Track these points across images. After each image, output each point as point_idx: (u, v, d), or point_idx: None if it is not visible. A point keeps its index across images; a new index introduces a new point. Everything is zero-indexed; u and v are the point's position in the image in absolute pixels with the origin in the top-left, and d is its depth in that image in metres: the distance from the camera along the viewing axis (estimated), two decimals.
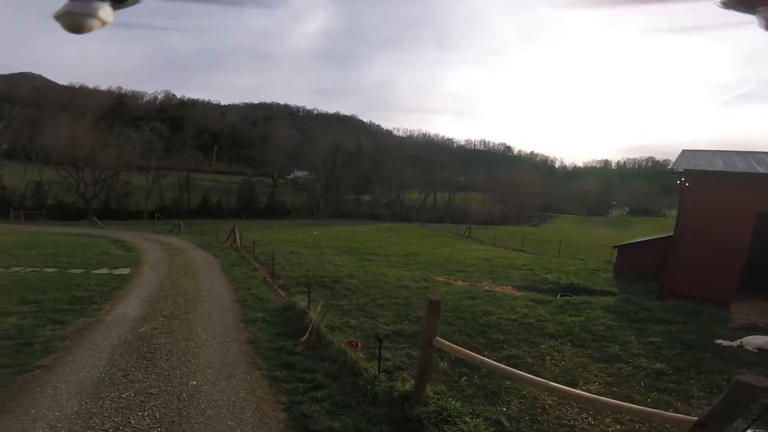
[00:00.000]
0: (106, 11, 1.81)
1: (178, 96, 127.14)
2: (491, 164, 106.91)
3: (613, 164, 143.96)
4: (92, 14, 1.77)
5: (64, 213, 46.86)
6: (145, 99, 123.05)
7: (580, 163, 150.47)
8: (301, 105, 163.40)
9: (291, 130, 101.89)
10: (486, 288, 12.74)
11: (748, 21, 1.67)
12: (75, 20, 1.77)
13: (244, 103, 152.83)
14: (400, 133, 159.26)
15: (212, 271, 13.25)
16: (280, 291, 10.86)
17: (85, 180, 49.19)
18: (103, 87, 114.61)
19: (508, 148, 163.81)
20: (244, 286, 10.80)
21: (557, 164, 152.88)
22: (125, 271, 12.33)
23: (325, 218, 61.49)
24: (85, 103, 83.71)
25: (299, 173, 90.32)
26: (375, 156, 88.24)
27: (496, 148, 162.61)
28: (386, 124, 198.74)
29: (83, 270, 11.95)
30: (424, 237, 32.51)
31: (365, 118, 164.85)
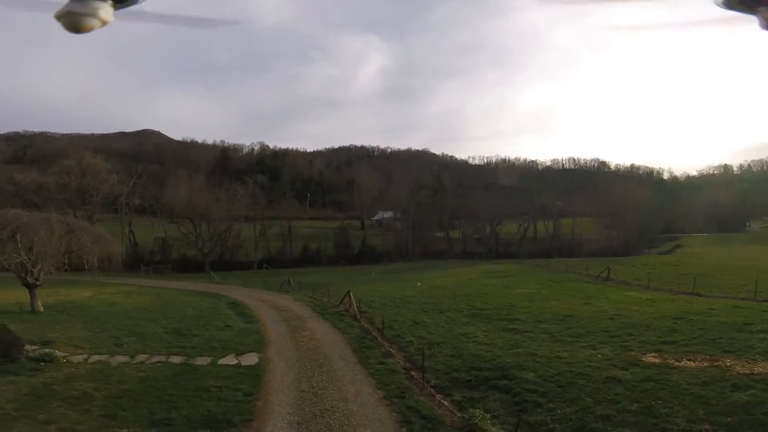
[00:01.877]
0: (106, 11, 1.80)
1: (271, 146, 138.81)
2: (584, 183, 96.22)
3: (734, 168, 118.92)
4: (93, 14, 1.76)
5: (186, 266, 50.79)
6: (244, 151, 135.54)
7: (693, 172, 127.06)
8: (375, 145, 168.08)
9: (371, 171, 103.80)
10: (746, 371, 8.95)
11: (749, 21, 1.68)
12: (75, 20, 1.76)
13: (326, 148, 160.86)
14: (477, 161, 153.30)
15: (346, 360, 11.39)
16: (441, 399, 8.46)
17: (202, 236, 53.19)
18: (209, 141, 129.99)
19: (603, 164, 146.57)
20: (396, 392, 8.67)
21: (665, 175, 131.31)
22: (253, 359, 11.11)
23: (415, 260, 59.10)
24: (196, 158, 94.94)
25: (384, 214, 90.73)
26: (457, 189, 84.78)
27: (588, 164, 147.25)
28: (459, 154, 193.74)
29: (209, 359, 11.05)
30: (550, 283, 27.57)
31: (436, 151, 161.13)
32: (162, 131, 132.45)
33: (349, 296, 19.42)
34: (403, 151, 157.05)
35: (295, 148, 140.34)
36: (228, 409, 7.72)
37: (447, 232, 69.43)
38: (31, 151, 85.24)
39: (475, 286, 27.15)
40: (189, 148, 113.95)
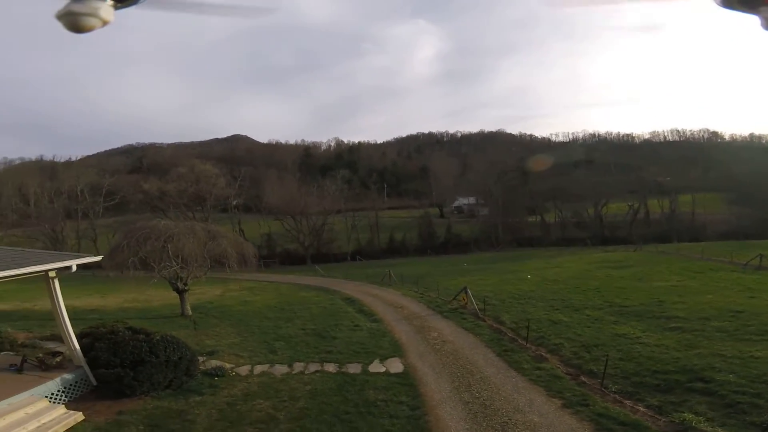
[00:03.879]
0: (106, 11, 1.79)
1: (345, 141, 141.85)
2: (693, 157, 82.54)
3: None
4: (93, 14, 1.74)
5: (290, 259, 53.65)
6: (322, 148, 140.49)
7: None
8: (443, 130, 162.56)
9: (444, 156, 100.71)
10: None
11: (750, 21, 1.64)
12: (76, 20, 1.75)
13: (395, 138, 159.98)
14: (560, 138, 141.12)
15: (495, 366, 10.49)
16: (632, 404, 7.76)
17: (302, 230, 55.73)
18: (291, 141, 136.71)
19: (714, 134, 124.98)
20: (574, 399, 8.05)
21: None
22: (398, 366, 10.65)
23: (506, 248, 55.74)
24: (282, 158, 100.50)
25: (463, 200, 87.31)
26: (548, 169, 77.96)
27: (695, 135, 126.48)
28: (539, 132, 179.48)
29: (359, 366, 10.70)
30: (692, 273, 23.25)
31: (512, 130, 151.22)
32: (250, 135, 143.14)
33: (467, 293, 18.23)
34: (475, 134, 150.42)
35: (366, 140, 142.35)
36: (403, 427, 7.40)
37: (542, 216, 63.41)
38: (146, 161, 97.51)
39: (600, 279, 24.09)
40: (275, 149, 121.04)
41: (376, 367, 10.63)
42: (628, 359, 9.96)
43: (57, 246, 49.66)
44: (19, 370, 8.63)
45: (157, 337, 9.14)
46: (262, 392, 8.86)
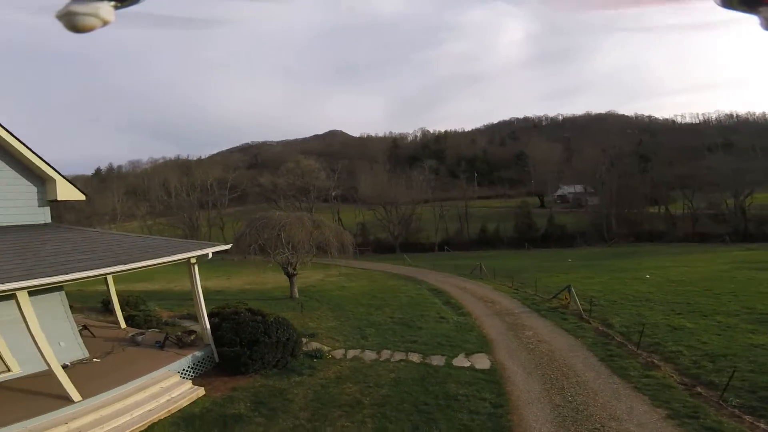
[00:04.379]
0: (107, 10, 1.80)
1: (431, 131, 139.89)
2: None
3: None
4: (93, 14, 1.76)
5: (381, 248, 55.74)
6: (408, 139, 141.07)
7: None
8: (540, 114, 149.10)
9: (542, 141, 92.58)
10: None
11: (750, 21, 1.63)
12: (76, 19, 1.76)
13: (484, 125, 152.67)
14: (687, 120, 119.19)
15: (596, 370, 9.66)
16: (752, 420, 6.79)
17: (392, 220, 57.52)
18: (380, 134, 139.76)
19: None
20: (683, 411, 7.27)
21: None
22: (484, 362, 10.41)
23: (621, 243, 49.53)
24: (373, 150, 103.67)
25: (568, 189, 79.69)
26: (672, 153, 66.62)
27: None
28: (660, 113, 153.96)
29: (443, 359, 10.75)
30: None
31: (626, 112, 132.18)
32: (344, 130, 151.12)
33: (570, 291, 16.84)
34: (580, 116, 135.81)
35: (453, 129, 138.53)
36: (482, 424, 7.26)
37: (666, 208, 54.66)
38: (260, 157, 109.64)
39: (739, 282, 20.18)
40: (366, 142, 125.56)
41: (460, 361, 10.57)
42: (761, 372, 8.70)
43: (193, 232, 59.14)
44: (162, 346, 9.93)
45: (271, 319, 10.00)
46: (352, 376, 9.50)
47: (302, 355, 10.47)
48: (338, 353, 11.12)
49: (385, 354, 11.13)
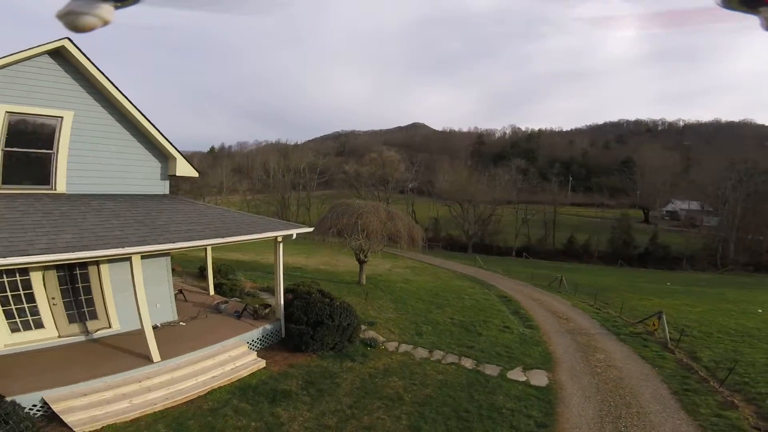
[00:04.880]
0: (107, 10, 1.80)
1: (523, 128, 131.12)
2: None
3: None
4: (94, 13, 1.77)
5: (452, 245, 54.94)
6: (496, 135, 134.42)
7: None
8: (657, 117, 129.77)
9: (656, 149, 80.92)
10: None
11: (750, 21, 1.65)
12: (77, 19, 1.77)
13: (587, 125, 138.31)
14: None
15: (663, 403, 8.91)
16: None
17: (468, 218, 56.14)
18: (465, 129, 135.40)
19: None
20: None
21: None
22: (542, 379, 9.99)
23: (737, 271, 41.83)
24: (455, 145, 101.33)
25: (680, 204, 69.30)
26: None
27: None
28: None
29: (498, 369, 10.46)
30: None
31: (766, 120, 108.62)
32: (427, 123, 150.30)
33: (661, 318, 15.06)
34: (705, 123, 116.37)
35: (548, 128, 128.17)
36: None
37: None
38: (347, 146, 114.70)
39: None
40: (448, 136, 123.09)
41: (516, 374, 10.24)
42: None
43: (283, 210, 64.73)
44: (239, 316, 10.68)
45: (337, 303, 10.41)
46: (399, 371, 9.74)
47: (358, 342, 10.94)
48: (391, 345, 11.45)
49: (437, 354, 11.18)
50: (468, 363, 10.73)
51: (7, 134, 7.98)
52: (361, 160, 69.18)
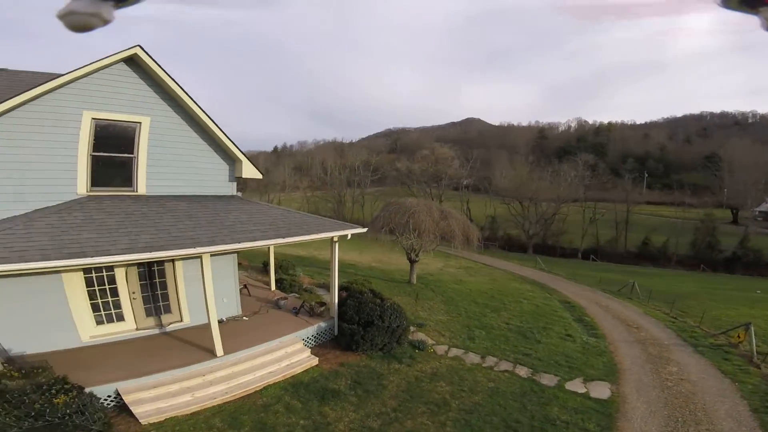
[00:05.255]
0: (107, 10, 1.81)
1: (590, 121, 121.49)
2: None
3: None
4: (94, 13, 1.78)
5: (510, 245, 52.52)
6: (560, 129, 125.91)
7: None
8: (747, 110, 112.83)
9: (746, 144, 70.81)
10: None
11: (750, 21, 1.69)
12: (77, 19, 1.78)
13: (664, 118, 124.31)
14: None
15: (739, 421, 8.03)
16: None
17: (529, 218, 53.30)
18: (524, 123, 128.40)
19: None
20: None
21: None
22: (603, 391, 9.36)
23: None
24: (514, 140, 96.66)
25: None
26: None
27: None
28: None
29: (556, 379, 9.93)
30: None
31: None
32: (482, 118, 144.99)
33: (749, 330, 13.28)
34: None
35: (620, 120, 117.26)
36: None
37: None
38: (399, 143, 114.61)
39: None
40: (507, 131, 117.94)
41: (575, 385, 9.65)
42: None
43: (339, 207, 66.64)
44: (297, 313, 11.14)
45: (388, 304, 10.51)
46: (448, 376, 9.54)
47: (407, 344, 10.90)
48: (440, 349, 11.26)
49: (490, 360, 10.82)
50: (523, 371, 10.28)
51: (94, 140, 8.67)
52: (412, 157, 68.83)
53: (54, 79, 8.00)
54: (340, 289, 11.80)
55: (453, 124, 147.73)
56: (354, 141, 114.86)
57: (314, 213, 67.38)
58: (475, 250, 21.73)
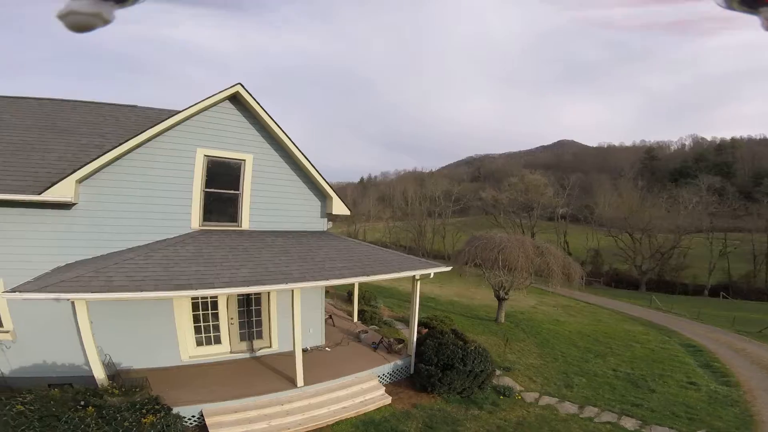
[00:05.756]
0: (107, 10, 1.83)
1: (709, 138, 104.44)
2: None
3: None
4: (94, 13, 1.80)
5: (617, 281, 47.04)
6: (672, 149, 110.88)
7: None
8: None
9: None
10: None
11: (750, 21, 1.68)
12: (78, 19, 1.80)
13: None
14: None
15: None
16: None
17: (642, 251, 47.39)
18: (627, 143, 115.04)
19: None
20: None
21: None
22: None
23: None
24: (616, 162, 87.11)
25: None
26: None
27: None
28: None
29: None
30: None
31: None
32: (576, 140, 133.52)
33: None
34: None
35: (747, 135, 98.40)
36: None
37: None
38: (482, 170, 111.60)
39: None
40: (607, 153, 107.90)
41: None
42: None
43: (419, 237, 66.59)
44: (376, 348, 11.20)
45: (472, 347, 10.02)
46: (536, 426, 8.68)
47: (489, 388, 10.27)
48: (530, 396, 10.38)
49: (590, 411, 9.67)
50: (629, 423, 9.07)
51: (206, 176, 9.39)
52: (499, 185, 66.44)
53: (173, 116, 8.89)
54: (420, 325, 11.68)
55: (543, 148, 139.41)
56: (434, 170, 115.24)
57: (395, 243, 68.18)
58: (576, 287, 19.89)
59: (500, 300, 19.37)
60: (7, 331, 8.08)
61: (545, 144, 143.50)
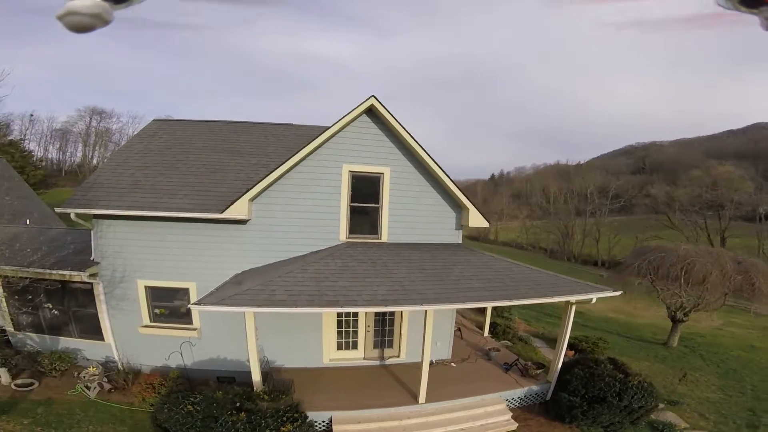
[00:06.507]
0: (107, 10, 1.88)
1: None
2: None
3: None
4: (94, 14, 1.84)
5: None
6: None
7: None
8: None
9: None
10: None
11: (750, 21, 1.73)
12: (77, 20, 1.85)
13: None
14: None
15: None
16: None
17: None
18: None
19: None
20: None
21: None
22: None
23: None
24: None
25: None
26: None
27: None
28: None
29: None
30: None
31: None
32: None
33: None
34: None
35: None
36: None
37: None
38: (648, 161, 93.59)
39: None
40: None
41: None
42: None
43: (565, 239, 59.93)
44: (508, 369, 10.70)
45: (634, 382, 8.64)
46: None
47: (644, 424, 8.88)
48: None
49: None
50: None
51: (351, 191, 10.14)
52: (674, 178, 55.24)
53: (321, 134, 9.81)
54: (569, 346, 10.64)
55: (730, 132, 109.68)
56: (582, 162, 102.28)
57: (532, 245, 62.71)
58: None
59: (675, 321, 16.46)
60: (195, 329, 10.37)
61: (733, 128, 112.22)
